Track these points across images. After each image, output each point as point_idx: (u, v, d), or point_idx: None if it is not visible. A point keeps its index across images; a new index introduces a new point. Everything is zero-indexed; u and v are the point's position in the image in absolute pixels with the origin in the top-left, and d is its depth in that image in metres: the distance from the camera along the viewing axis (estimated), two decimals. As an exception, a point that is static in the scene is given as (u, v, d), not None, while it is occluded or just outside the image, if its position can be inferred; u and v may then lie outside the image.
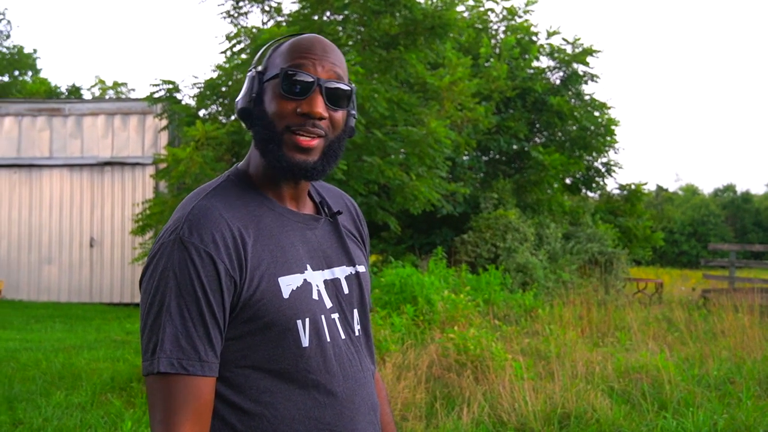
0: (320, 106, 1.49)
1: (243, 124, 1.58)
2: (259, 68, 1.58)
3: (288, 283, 1.48)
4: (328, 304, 1.55)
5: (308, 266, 1.54)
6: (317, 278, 1.55)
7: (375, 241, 14.34)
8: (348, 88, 1.55)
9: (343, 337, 1.56)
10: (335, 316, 1.56)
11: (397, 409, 5.66)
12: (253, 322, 1.45)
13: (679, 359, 7.20)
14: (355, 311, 1.63)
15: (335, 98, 1.52)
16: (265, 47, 1.63)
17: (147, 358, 1.40)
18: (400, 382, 6.01)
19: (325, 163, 1.53)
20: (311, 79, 1.49)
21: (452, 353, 6.76)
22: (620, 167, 18.02)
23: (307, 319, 1.49)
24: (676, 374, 6.28)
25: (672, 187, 45.99)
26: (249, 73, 1.57)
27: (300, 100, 1.49)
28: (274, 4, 12.76)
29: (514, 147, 16.67)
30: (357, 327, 1.62)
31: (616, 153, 18.27)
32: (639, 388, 6.14)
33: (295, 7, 12.63)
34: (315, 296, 1.52)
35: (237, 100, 1.57)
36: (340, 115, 1.54)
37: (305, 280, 1.52)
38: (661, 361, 6.42)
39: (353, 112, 1.60)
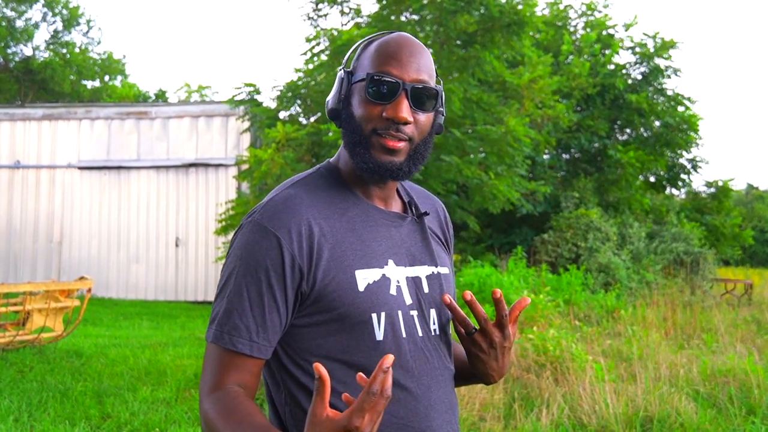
0: (405, 111, 1.48)
1: (334, 123, 1.59)
2: (348, 69, 1.58)
3: (364, 277, 1.48)
4: (408, 300, 1.54)
5: (390, 261, 1.54)
6: (399, 274, 1.55)
7: (454, 241, 14.35)
8: (434, 89, 1.54)
9: (420, 334, 1.54)
10: (414, 313, 1.54)
11: (475, 409, 5.63)
12: (327, 312, 1.46)
13: (769, 363, 6.96)
14: (433, 311, 1.59)
15: (420, 101, 1.51)
16: (355, 46, 1.63)
17: (209, 325, 1.48)
18: (478, 382, 5.97)
19: (411, 164, 1.53)
20: (396, 83, 1.49)
21: (531, 354, 6.68)
22: (705, 162, 17.53)
23: (383, 314, 1.48)
24: (765, 378, 6.06)
25: (763, 184, 44.46)
26: (339, 73, 1.58)
27: (386, 104, 1.49)
28: (353, 6, 12.85)
29: (595, 145, 16.40)
30: (434, 327, 1.58)
31: (698, 148, 17.80)
32: (726, 392, 5.95)
33: (375, 8, 12.70)
34: (393, 291, 1.51)
35: (327, 99, 1.60)
36: (425, 117, 1.54)
37: (384, 275, 1.51)
38: (750, 364, 6.21)
39: (441, 109, 1.60)
